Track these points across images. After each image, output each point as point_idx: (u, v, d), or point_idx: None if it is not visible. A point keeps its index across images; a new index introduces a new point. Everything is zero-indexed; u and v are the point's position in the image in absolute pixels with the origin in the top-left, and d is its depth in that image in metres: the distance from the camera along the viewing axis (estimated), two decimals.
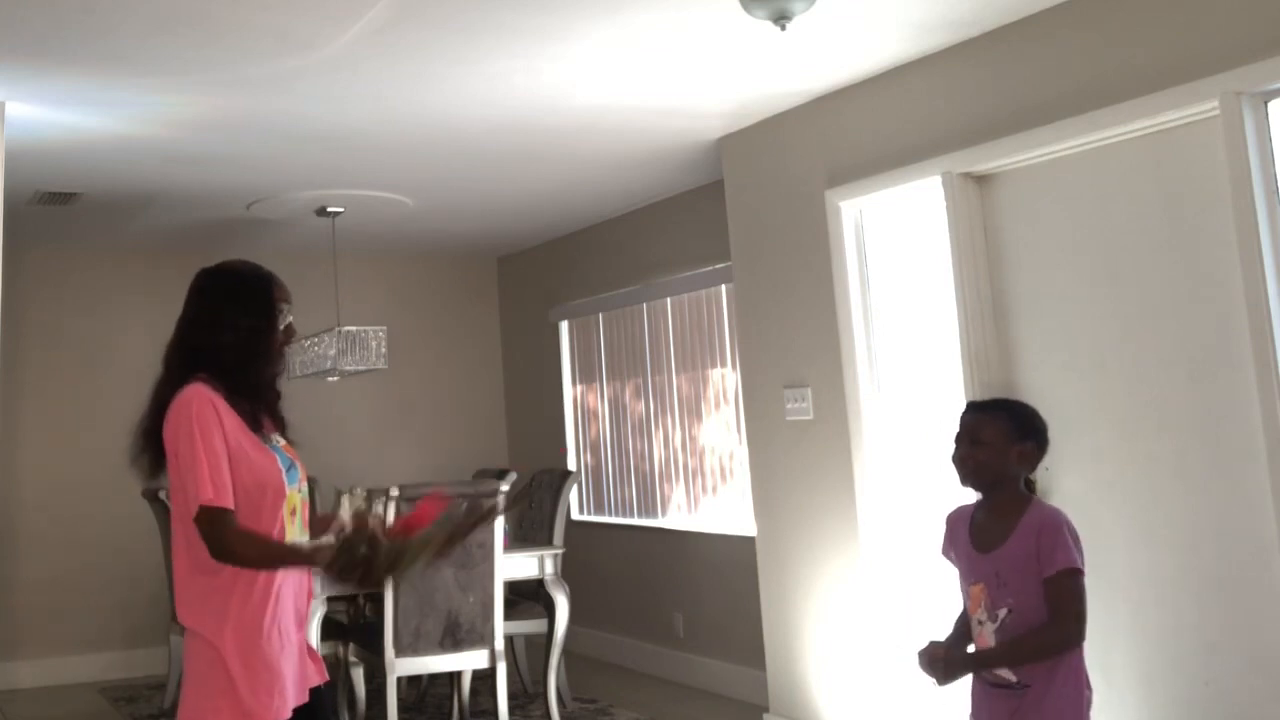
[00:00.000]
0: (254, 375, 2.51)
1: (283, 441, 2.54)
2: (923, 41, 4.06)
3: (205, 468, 2.30)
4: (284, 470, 2.45)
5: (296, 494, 2.49)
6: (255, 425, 2.44)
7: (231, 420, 2.39)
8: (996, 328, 4.03)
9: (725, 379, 6.05)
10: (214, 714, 2.29)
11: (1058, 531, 2.64)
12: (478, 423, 8.07)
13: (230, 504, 2.31)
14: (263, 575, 2.35)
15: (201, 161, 5.19)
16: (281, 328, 2.57)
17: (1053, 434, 3.86)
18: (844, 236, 4.53)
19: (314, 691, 2.47)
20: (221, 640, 2.31)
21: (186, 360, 2.47)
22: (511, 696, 5.50)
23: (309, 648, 2.50)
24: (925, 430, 4.28)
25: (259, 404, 2.50)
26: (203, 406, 2.36)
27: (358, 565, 2.25)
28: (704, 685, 5.99)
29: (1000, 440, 2.77)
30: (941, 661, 2.72)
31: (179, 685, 6.26)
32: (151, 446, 2.42)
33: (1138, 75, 3.49)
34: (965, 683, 2.80)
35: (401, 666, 4.79)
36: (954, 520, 2.88)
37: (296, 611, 2.45)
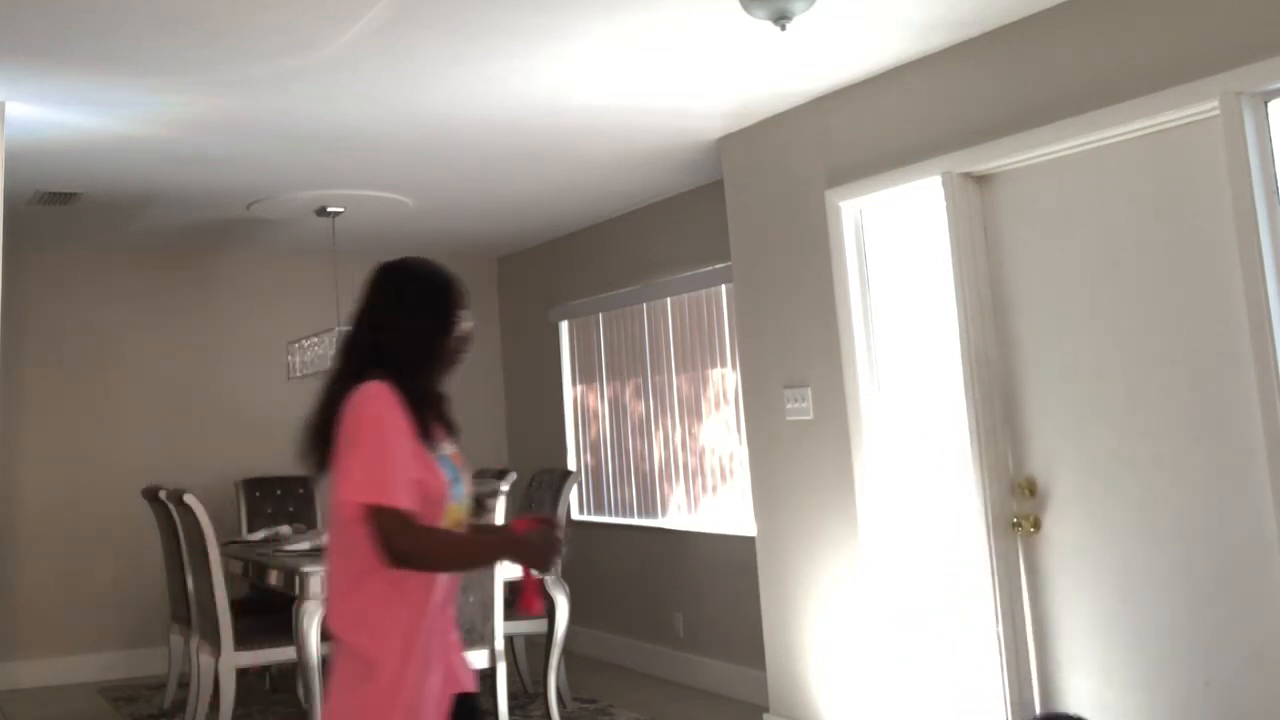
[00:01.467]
0: (425, 380, 2.36)
1: (451, 450, 2.40)
2: (923, 41, 4.06)
3: (389, 466, 2.18)
4: (449, 483, 2.32)
5: (458, 508, 2.36)
6: (424, 432, 2.29)
7: (406, 424, 2.26)
8: (996, 328, 4.03)
9: (725, 379, 6.04)
10: None
11: None
12: (478, 423, 8.06)
13: (412, 506, 2.19)
14: (421, 587, 2.25)
15: (201, 161, 5.19)
16: (459, 334, 2.41)
17: (1053, 434, 3.87)
18: (844, 236, 4.53)
19: (463, 701, 2.39)
20: (376, 655, 2.21)
21: (367, 356, 2.33)
22: (511, 696, 5.50)
23: (460, 658, 2.42)
24: (925, 430, 4.28)
25: (428, 410, 2.34)
26: (390, 403, 2.23)
27: (556, 547, 2.24)
28: (704, 685, 5.99)
29: None
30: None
31: (179, 685, 6.27)
32: (321, 443, 2.29)
33: (1138, 75, 3.50)
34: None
35: None
36: None
37: (446, 619, 2.36)
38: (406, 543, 2.16)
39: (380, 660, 2.20)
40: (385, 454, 2.19)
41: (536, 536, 2.26)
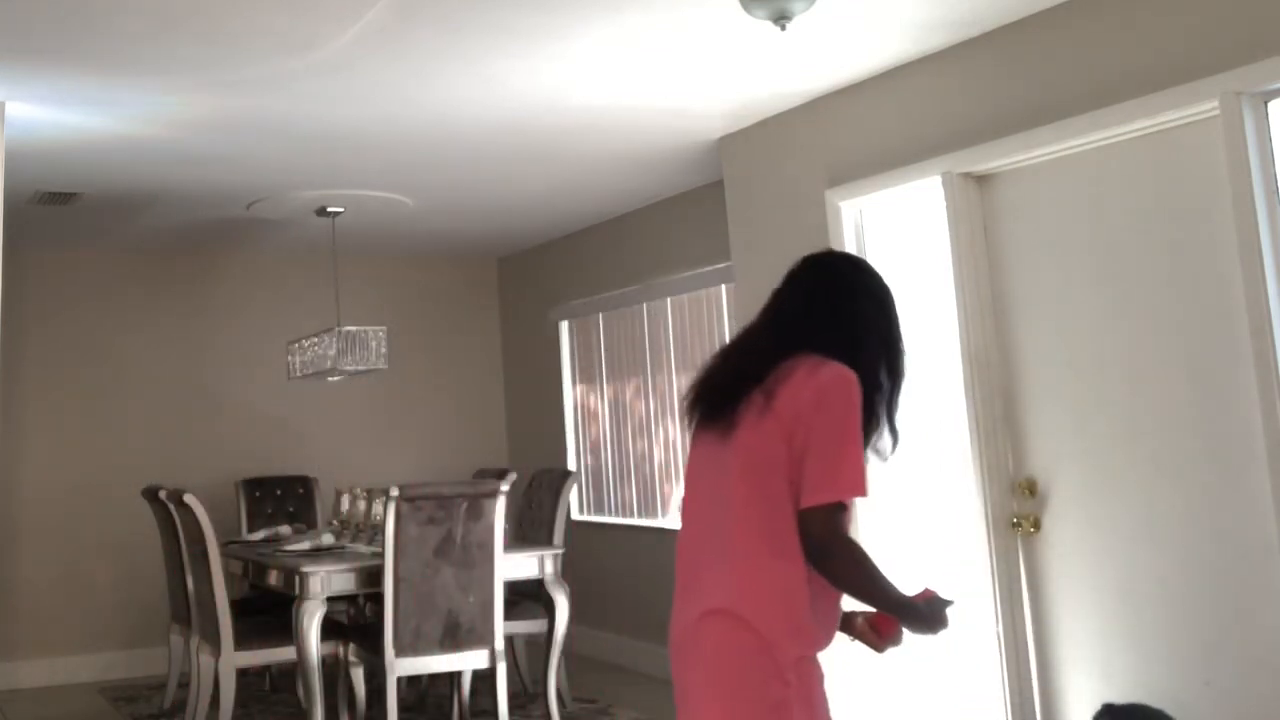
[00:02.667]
0: (893, 382, 2.29)
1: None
2: (923, 41, 4.06)
3: (858, 459, 2.12)
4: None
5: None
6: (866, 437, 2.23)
7: None
8: (996, 328, 4.03)
9: None
10: None
11: None
12: (478, 423, 8.07)
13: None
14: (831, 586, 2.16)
15: (201, 161, 5.19)
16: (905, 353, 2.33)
17: (1053, 434, 3.87)
18: (844, 236, 4.53)
19: None
20: (786, 647, 2.13)
21: (805, 337, 2.22)
22: (511, 696, 5.50)
23: None
24: (925, 430, 4.28)
25: (891, 417, 2.28)
26: (860, 395, 2.16)
27: (944, 625, 2.17)
28: None
29: None
30: None
31: (179, 685, 6.26)
32: (735, 403, 2.18)
33: (1138, 75, 3.49)
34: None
35: (401, 666, 4.79)
36: None
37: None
38: (840, 541, 2.12)
39: (792, 658, 2.14)
40: (857, 446, 2.14)
41: (932, 608, 2.18)
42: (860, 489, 2.12)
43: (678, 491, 6.38)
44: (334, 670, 5.28)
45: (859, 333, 2.26)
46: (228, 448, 7.26)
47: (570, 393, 7.49)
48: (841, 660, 4.55)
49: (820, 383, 2.13)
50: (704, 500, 2.27)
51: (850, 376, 2.15)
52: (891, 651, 2.31)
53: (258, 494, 7.00)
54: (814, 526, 2.11)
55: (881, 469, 4.43)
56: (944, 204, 4.12)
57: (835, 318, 2.26)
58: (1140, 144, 3.57)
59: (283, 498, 7.05)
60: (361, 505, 5.63)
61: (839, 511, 2.13)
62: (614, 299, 6.91)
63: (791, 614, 2.14)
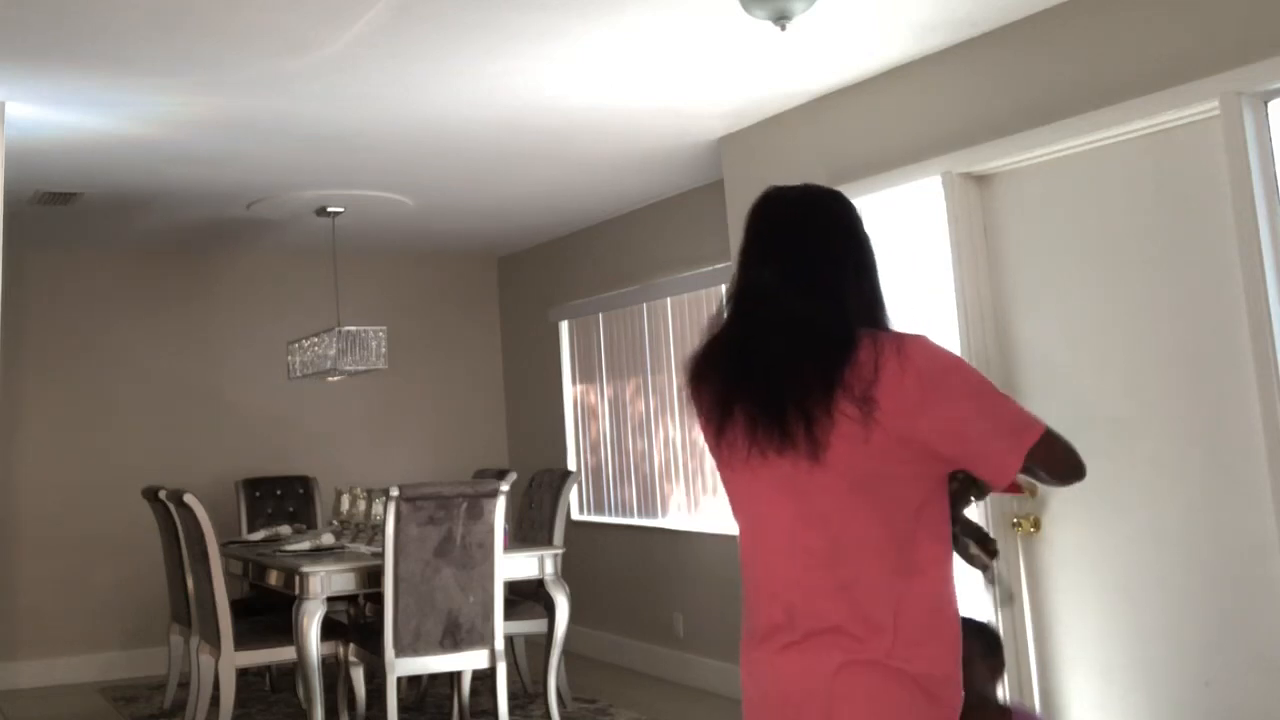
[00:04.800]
0: None
1: None
2: (923, 41, 4.06)
3: (1009, 399, 1.85)
4: None
5: None
6: None
7: None
8: (996, 328, 4.03)
9: None
10: None
11: None
12: (478, 423, 8.07)
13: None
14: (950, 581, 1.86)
15: (201, 161, 5.19)
16: None
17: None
18: None
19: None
20: (954, 689, 1.81)
21: (861, 307, 1.92)
22: (511, 696, 5.50)
23: None
24: None
25: None
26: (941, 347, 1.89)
27: None
28: (704, 685, 5.99)
29: None
30: None
31: (179, 685, 6.26)
32: (818, 422, 1.79)
33: (1138, 75, 3.49)
34: None
35: (401, 666, 4.79)
36: None
37: None
38: (1076, 468, 1.83)
39: (931, 672, 1.78)
40: (996, 391, 1.86)
41: None
42: (1037, 423, 1.82)
43: (677, 492, 6.38)
44: (334, 670, 5.28)
45: (875, 281, 2.00)
46: (228, 448, 7.26)
47: (570, 392, 7.49)
48: None
49: (918, 369, 1.81)
50: (786, 530, 1.90)
51: (925, 342, 1.87)
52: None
53: (258, 494, 7.00)
54: (1049, 469, 1.84)
55: None
56: (944, 204, 4.12)
57: (861, 276, 1.98)
58: (1140, 144, 3.57)
59: (283, 498, 7.05)
60: (361, 505, 5.63)
61: (1042, 450, 1.81)
62: (614, 299, 6.91)
63: (948, 638, 1.83)
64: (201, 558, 5.10)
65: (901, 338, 1.87)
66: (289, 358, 6.49)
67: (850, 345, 1.83)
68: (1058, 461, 1.84)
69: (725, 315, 2.00)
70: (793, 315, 1.89)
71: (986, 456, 1.82)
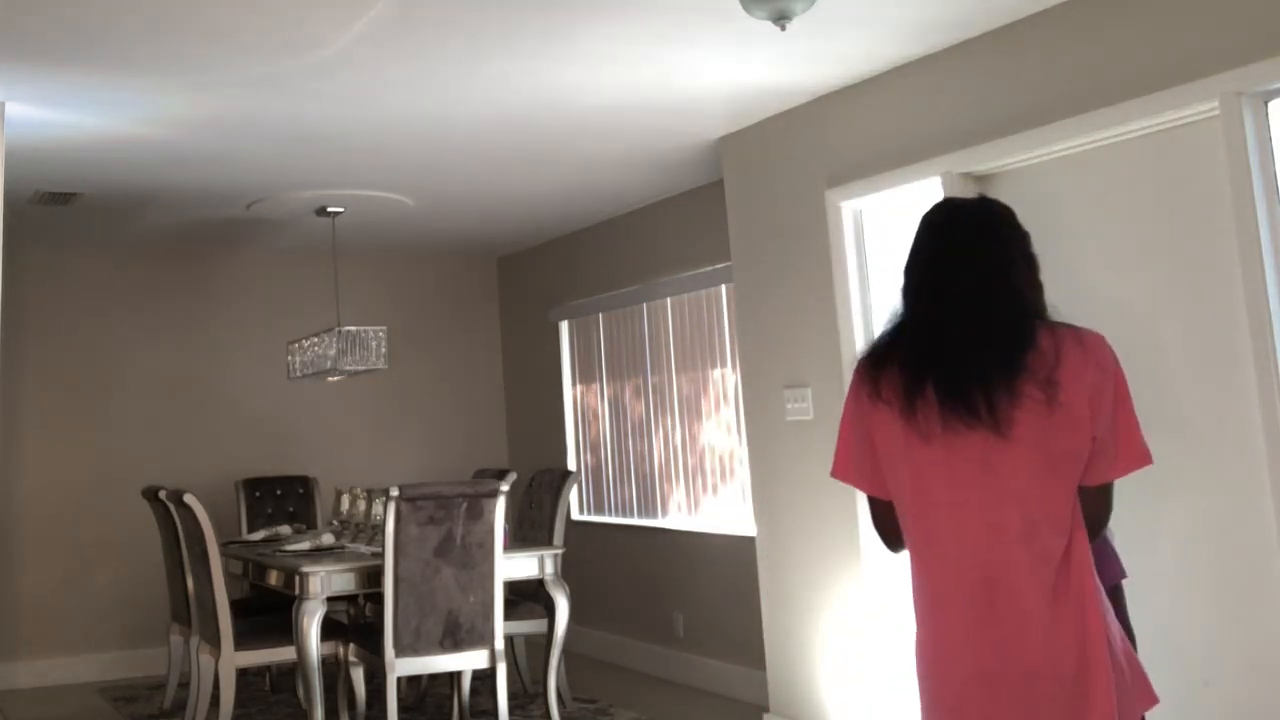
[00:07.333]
0: None
1: None
2: (923, 41, 4.06)
3: (1138, 426, 2.06)
4: None
5: None
6: None
7: None
8: None
9: (725, 379, 6.05)
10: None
11: None
12: (478, 423, 8.07)
13: None
14: None
15: (201, 161, 5.19)
16: None
17: None
18: (844, 236, 4.53)
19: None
20: (1109, 628, 2.01)
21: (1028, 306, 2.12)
22: (511, 696, 5.50)
23: None
24: None
25: None
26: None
27: None
28: (704, 685, 5.99)
29: None
30: None
31: (179, 685, 6.26)
32: (1005, 398, 1.98)
33: (1138, 75, 3.49)
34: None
35: (401, 666, 4.79)
36: None
37: None
38: (1107, 521, 2.10)
39: (1117, 636, 2.03)
40: (1135, 415, 2.06)
41: None
42: (1148, 456, 2.06)
43: (677, 492, 6.38)
44: (334, 670, 5.28)
45: (1038, 276, 2.23)
46: (228, 448, 7.26)
47: (570, 392, 7.49)
48: (840, 660, 4.55)
49: (1098, 361, 2.02)
50: (978, 505, 2.03)
51: (1103, 338, 2.08)
52: None
53: (258, 494, 7.00)
54: (1101, 503, 2.09)
55: None
56: None
57: (1031, 270, 2.22)
58: (1140, 144, 3.57)
59: (283, 498, 7.05)
60: (361, 505, 5.63)
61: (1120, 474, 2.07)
62: (614, 299, 6.91)
63: (1119, 630, 2.06)
64: (201, 558, 5.10)
65: (1079, 330, 2.06)
66: (289, 358, 6.49)
67: (1031, 333, 2.02)
68: (1107, 509, 2.12)
69: (903, 310, 2.17)
70: (974, 307, 2.07)
71: (1112, 457, 2.04)
